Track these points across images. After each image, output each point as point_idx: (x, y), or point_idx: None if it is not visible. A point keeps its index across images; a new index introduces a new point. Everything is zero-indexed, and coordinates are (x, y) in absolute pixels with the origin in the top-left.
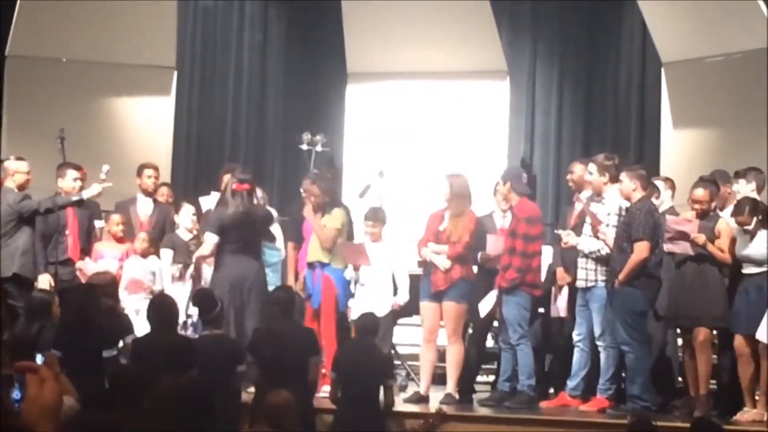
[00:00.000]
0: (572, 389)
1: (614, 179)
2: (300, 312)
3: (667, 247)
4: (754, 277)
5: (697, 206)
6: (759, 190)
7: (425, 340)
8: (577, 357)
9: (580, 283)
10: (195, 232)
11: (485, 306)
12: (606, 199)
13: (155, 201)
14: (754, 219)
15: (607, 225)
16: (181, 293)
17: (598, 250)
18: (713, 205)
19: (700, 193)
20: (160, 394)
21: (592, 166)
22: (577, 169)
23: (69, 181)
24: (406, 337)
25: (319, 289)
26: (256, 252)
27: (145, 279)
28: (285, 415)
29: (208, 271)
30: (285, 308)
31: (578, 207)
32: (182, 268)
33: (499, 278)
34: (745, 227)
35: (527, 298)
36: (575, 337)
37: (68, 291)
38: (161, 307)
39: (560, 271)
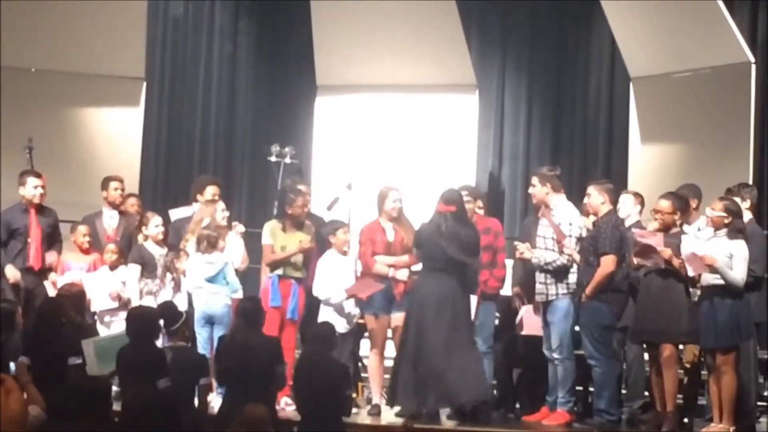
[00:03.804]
0: (552, 403)
1: (557, 189)
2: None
3: (636, 260)
4: (708, 289)
5: (657, 216)
6: (752, 206)
7: (378, 354)
8: (552, 371)
9: (540, 298)
10: (164, 247)
11: None
12: (554, 211)
13: (121, 213)
14: (728, 220)
15: (570, 236)
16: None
17: (554, 261)
18: (676, 218)
19: (664, 204)
20: (126, 405)
21: (534, 179)
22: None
23: (30, 189)
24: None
25: (296, 301)
26: (456, 273)
27: (113, 290)
28: (264, 429)
29: (184, 282)
30: (250, 318)
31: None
32: (161, 280)
33: (481, 286)
34: (714, 215)
35: (495, 306)
36: (546, 351)
37: (40, 302)
38: (140, 318)
39: (518, 290)
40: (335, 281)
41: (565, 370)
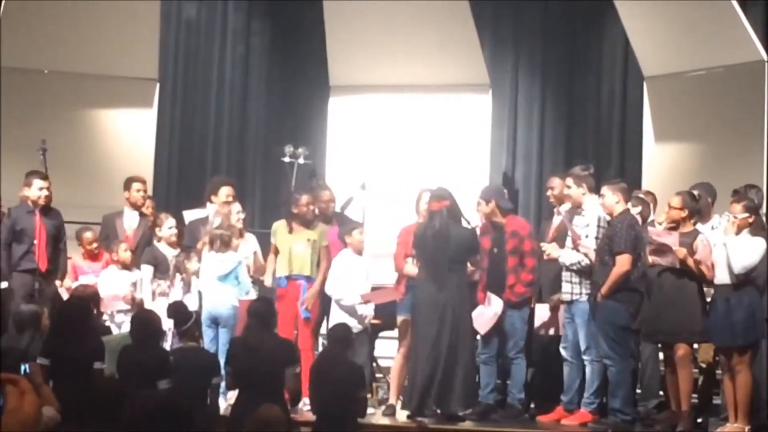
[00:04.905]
0: (567, 403)
1: (592, 189)
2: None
3: (652, 259)
4: (722, 288)
5: (666, 209)
6: (759, 207)
7: (404, 355)
8: (568, 370)
9: (565, 296)
10: (177, 248)
11: (484, 323)
12: (586, 209)
13: (141, 214)
14: (752, 219)
15: (587, 236)
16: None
17: (579, 262)
18: (683, 215)
19: (674, 200)
20: (137, 407)
21: (569, 180)
22: (556, 183)
23: (35, 190)
24: (388, 350)
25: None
26: (455, 272)
27: (124, 291)
28: (279, 430)
29: (194, 283)
30: (263, 319)
31: (557, 220)
32: (170, 281)
33: (507, 294)
34: (740, 218)
35: (527, 312)
36: (562, 350)
37: (65, 303)
38: (144, 322)
39: None
40: (349, 281)
41: (593, 372)
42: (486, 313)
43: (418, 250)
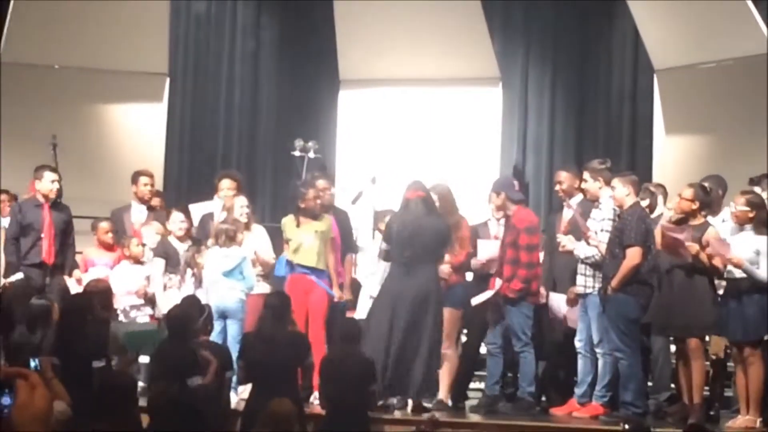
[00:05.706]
0: (581, 396)
1: (608, 182)
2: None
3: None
4: (734, 282)
5: (676, 199)
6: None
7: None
8: (582, 363)
9: (579, 289)
10: (186, 242)
11: (477, 299)
12: (602, 203)
13: (149, 208)
14: (752, 214)
15: (602, 230)
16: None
17: (593, 256)
18: (694, 207)
19: (686, 191)
20: (150, 402)
21: (585, 173)
22: (563, 177)
23: (47, 183)
24: None
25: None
26: (427, 263)
27: (138, 285)
28: (290, 424)
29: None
30: (278, 313)
31: (567, 214)
32: (181, 276)
33: (504, 289)
34: (736, 209)
35: (531, 306)
36: (577, 343)
37: (65, 300)
38: (178, 319)
39: None
40: (383, 269)
41: (606, 365)
42: (484, 293)
43: (390, 243)
